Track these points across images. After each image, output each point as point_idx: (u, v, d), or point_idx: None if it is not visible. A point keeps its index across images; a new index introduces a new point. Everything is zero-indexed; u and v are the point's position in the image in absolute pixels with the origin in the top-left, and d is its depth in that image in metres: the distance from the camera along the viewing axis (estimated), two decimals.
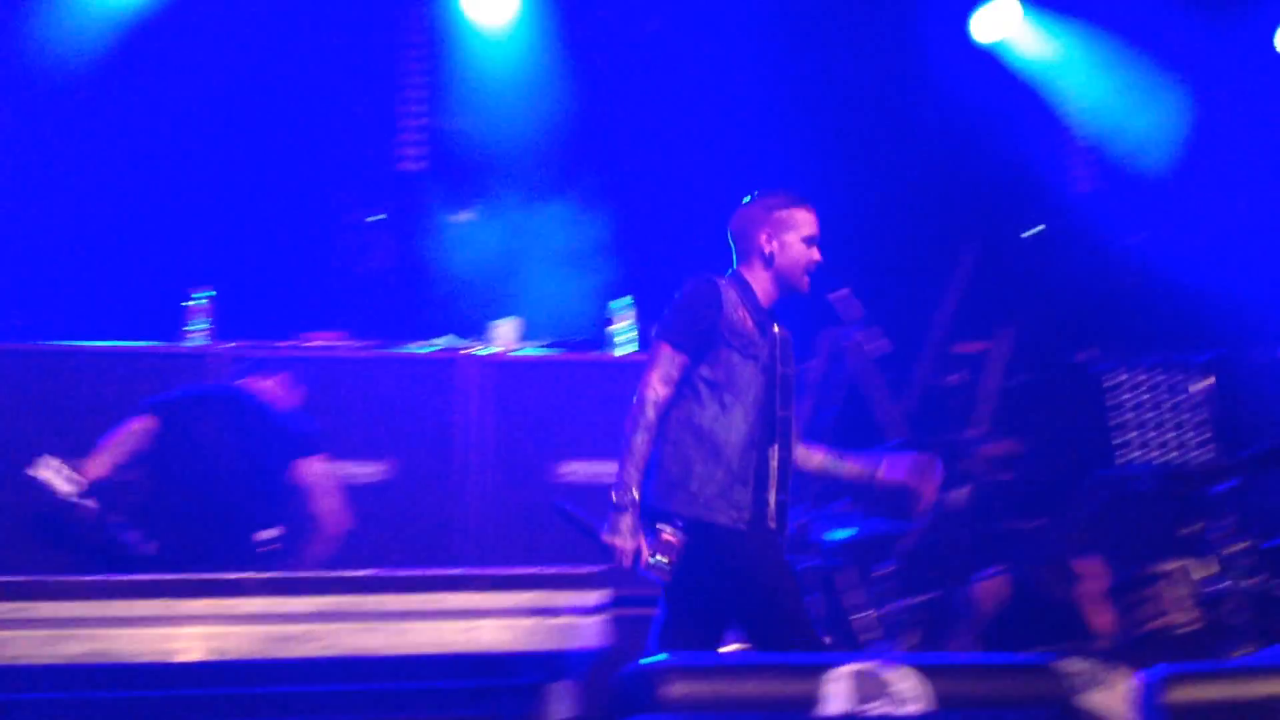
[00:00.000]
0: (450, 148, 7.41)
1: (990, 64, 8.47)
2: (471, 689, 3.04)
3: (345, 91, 7.53)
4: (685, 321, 3.96)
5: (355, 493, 5.28)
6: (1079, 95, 8.63)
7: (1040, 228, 8.54)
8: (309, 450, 5.01)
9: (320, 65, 7.45)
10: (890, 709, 2.92)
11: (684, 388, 3.92)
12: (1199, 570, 5.30)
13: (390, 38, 7.68)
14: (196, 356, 5.60)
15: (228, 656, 2.65)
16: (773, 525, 3.94)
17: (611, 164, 7.19)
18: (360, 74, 7.56)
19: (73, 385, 5.42)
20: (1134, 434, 7.88)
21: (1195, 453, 7.91)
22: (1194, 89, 8.26)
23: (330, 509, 4.97)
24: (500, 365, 5.58)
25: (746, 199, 4.21)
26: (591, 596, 2.83)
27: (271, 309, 6.54)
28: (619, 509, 3.84)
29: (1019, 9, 8.27)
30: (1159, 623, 5.26)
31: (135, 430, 4.92)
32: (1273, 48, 8.39)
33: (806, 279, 4.11)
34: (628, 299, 5.87)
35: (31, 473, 4.69)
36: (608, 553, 3.79)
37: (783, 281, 4.11)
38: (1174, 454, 7.90)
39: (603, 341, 5.84)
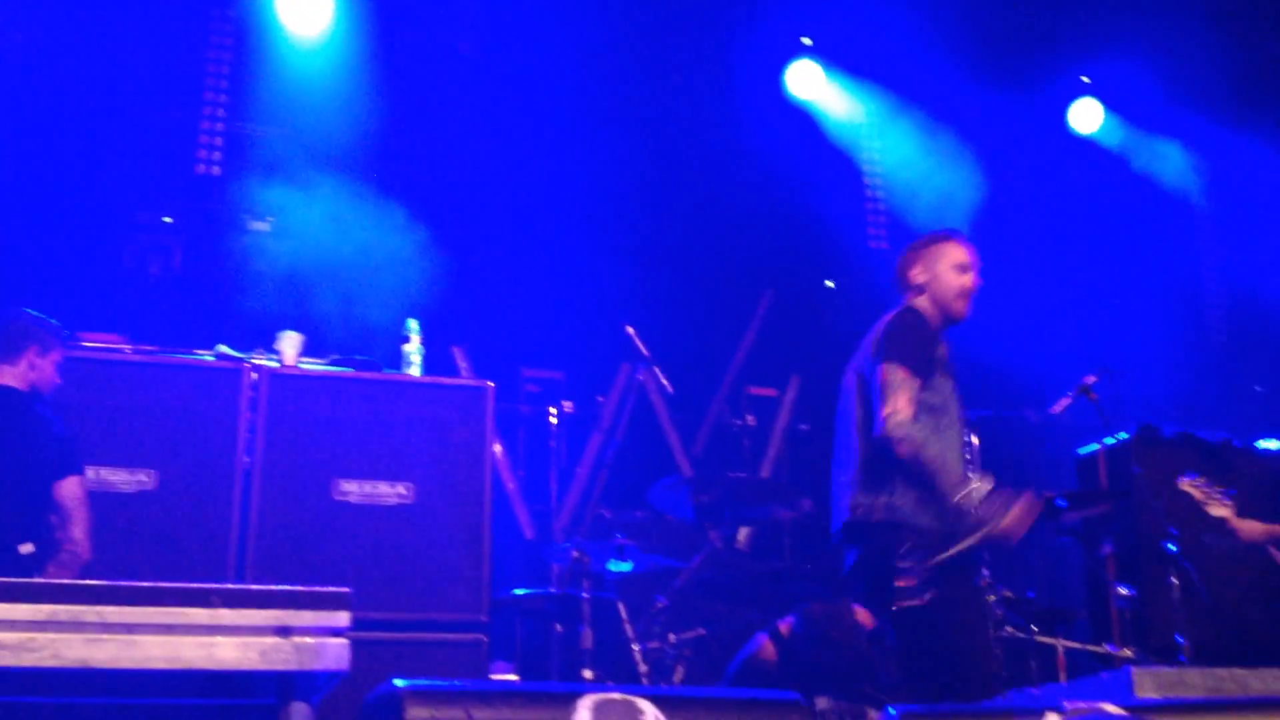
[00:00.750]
0: (250, 154, 7.24)
1: (800, 119, 8.73)
2: (208, 706, 2.95)
3: (145, 89, 7.29)
4: (917, 348, 4.21)
5: (120, 501, 5.09)
6: (879, 157, 8.97)
7: (832, 283, 8.80)
8: (71, 469, 4.82)
9: (122, 60, 7.21)
10: None
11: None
12: None
13: (196, 38, 7.49)
14: None
15: None
16: None
17: (416, 181, 7.13)
18: (163, 72, 7.34)
19: None
20: None
21: None
22: (987, 160, 8.65)
23: (79, 537, 4.77)
24: (280, 378, 5.45)
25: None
26: (336, 617, 2.78)
27: (50, 307, 6.26)
28: (998, 500, 4.08)
29: (820, 71, 8.55)
30: None
31: None
32: (1065, 125, 8.88)
33: (961, 304, 4.42)
34: (416, 321, 5.81)
35: None
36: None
37: (942, 309, 4.42)
38: None
39: (390, 361, 5.76)
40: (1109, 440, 6.76)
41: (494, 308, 7.73)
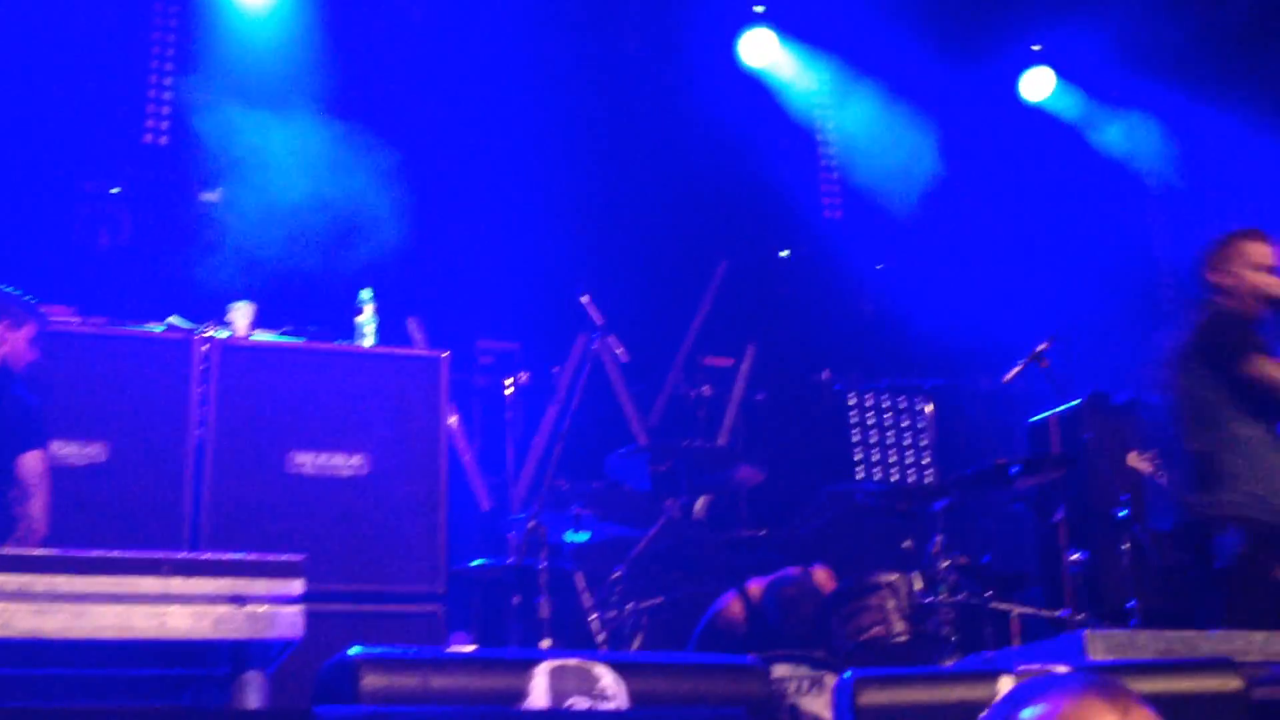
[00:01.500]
0: (199, 124, 7.13)
1: (755, 88, 8.70)
2: (160, 677, 2.93)
3: (91, 58, 7.17)
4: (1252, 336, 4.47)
5: (71, 474, 5.02)
6: (834, 127, 8.96)
7: (787, 252, 8.81)
8: (35, 442, 4.75)
9: (67, 29, 7.07)
10: (590, 704, 2.95)
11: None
12: (917, 582, 5.54)
13: (142, 4, 7.36)
14: None
15: None
16: None
17: (367, 151, 7.05)
18: (108, 41, 7.21)
19: None
20: (867, 451, 8.24)
21: (919, 472, 8.32)
22: (942, 128, 8.67)
23: (36, 514, 4.72)
24: (232, 350, 5.38)
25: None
26: (289, 585, 2.76)
27: None
28: None
29: (775, 39, 8.51)
30: (876, 631, 5.46)
31: None
32: (1016, 95, 8.91)
33: (1263, 304, 4.57)
34: (370, 291, 5.76)
35: None
36: None
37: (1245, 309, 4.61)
38: (900, 473, 8.30)
39: (343, 331, 5.71)
40: (1060, 407, 6.82)
41: (448, 279, 7.68)
